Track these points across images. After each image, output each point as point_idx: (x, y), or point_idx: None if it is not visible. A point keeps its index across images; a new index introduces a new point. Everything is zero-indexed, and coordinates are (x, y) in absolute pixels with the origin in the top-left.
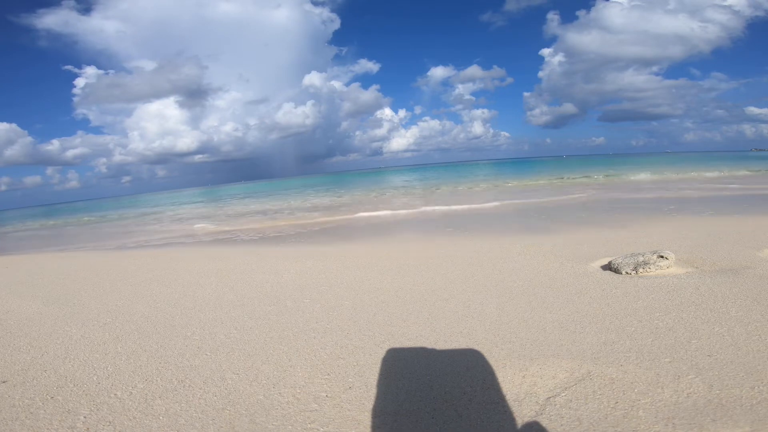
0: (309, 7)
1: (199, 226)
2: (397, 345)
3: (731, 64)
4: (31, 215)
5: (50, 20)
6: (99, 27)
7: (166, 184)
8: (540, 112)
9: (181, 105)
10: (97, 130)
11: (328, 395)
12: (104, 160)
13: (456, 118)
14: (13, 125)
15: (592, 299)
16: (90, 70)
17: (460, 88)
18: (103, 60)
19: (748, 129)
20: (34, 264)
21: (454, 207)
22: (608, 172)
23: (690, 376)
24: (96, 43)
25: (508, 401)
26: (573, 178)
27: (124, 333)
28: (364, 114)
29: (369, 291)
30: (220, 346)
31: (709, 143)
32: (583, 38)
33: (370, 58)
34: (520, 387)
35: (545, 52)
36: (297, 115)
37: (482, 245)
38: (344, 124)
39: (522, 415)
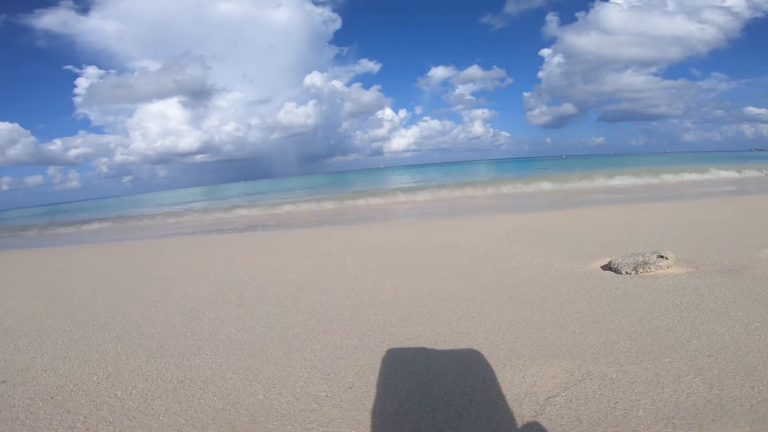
0: (310, 6)
1: None
2: (397, 345)
3: (730, 65)
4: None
5: (48, 20)
6: (98, 27)
7: (168, 184)
8: (540, 113)
9: (185, 105)
10: (99, 130)
11: (328, 395)
12: (105, 159)
13: (456, 119)
14: (16, 125)
15: (592, 299)
16: (91, 70)
17: (461, 89)
18: (103, 60)
19: (747, 129)
20: (35, 263)
21: None
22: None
23: (690, 376)
24: (96, 43)
25: (508, 401)
26: None
27: (124, 333)
28: (365, 114)
29: (369, 291)
30: (220, 346)
31: (709, 143)
32: (581, 39)
33: (371, 58)
34: (520, 387)
35: (545, 52)
36: (299, 115)
37: None
38: (345, 124)
39: (522, 415)
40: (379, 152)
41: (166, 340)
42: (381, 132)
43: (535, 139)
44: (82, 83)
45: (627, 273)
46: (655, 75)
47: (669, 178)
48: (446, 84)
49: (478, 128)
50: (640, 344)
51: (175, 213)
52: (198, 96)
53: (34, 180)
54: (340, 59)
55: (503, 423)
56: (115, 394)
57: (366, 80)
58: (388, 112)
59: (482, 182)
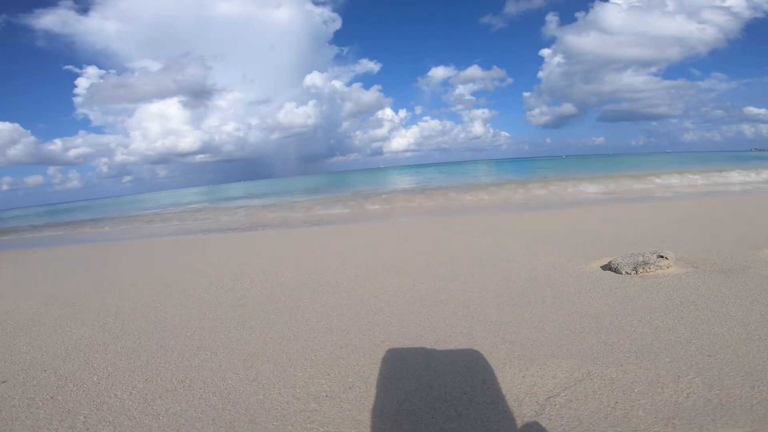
0: (310, 6)
1: None
2: (397, 345)
3: (730, 65)
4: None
5: (48, 20)
6: (98, 27)
7: (167, 184)
8: (540, 112)
9: (185, 105)
10: (99, 130)
11: (328, 395)
12: (105, 159)
13: (456, 118)
14: (16, 125)
15: (592, 299)
16: (91, 70)
17: (461, 89)
18: (103, 60)
19: (747, 129)
20: (35, 263)
21: None
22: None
23: (690, 376)
24: (96, 43)
25: (508, 401)
26: None
27: (124, 333)
28: (365, 114)
29: (369, 291)
30: (220, 346)
31: (709, 143)
32: (581, 39)
33: (371, 58)
34: (520, 387)
35: (545, 52)
36: (299, 115)
37: None
38: (345, 125)
39: (522, 415)
40: (379, 152)
41: (166, 340)
42: (381, 132)
43: (535, 139)
44: (82, 83)
45: (627, 273)
46: (655, 75)
47: (672, 178)
48: (446, 84)
49: (478, 128)
50: (640, 344)
51: (175, 213)
52: (198, 96)
53: (34, 180)
54: (340, 59)
55: (503, 423)
56: (115, 394)
57: (366, 80)
58: (388, 112)
59: (482, 182)
